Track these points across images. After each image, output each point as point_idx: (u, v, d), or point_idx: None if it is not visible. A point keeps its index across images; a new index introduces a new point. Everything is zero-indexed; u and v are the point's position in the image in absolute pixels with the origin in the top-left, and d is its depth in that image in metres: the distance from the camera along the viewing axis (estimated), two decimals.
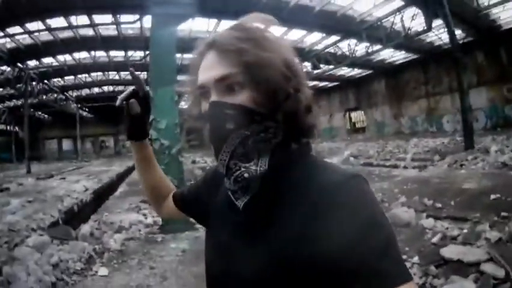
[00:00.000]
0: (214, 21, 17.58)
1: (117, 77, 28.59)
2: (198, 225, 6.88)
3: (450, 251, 4.15)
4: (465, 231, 4.88)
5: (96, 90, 33.60)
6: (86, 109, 39.66)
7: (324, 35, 21.29)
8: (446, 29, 15.73)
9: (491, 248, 3.92)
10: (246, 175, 0.79)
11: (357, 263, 0.65)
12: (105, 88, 33.12)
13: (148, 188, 1.28)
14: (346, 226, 0.68)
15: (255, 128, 0.78)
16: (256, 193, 0.82)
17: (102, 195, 10.94)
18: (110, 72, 27.40)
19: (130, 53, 22.24)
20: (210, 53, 0.82)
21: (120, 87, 32.68)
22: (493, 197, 6.57)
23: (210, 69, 0.80)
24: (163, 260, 5.13)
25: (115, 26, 17.18)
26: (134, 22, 15.44)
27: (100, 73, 27.31)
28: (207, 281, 0.96)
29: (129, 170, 18.84)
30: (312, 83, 36.18)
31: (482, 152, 11.87)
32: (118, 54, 22.72)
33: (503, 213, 5.14)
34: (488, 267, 3.62)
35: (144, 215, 7.97)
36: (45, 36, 17.96)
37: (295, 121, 0.81)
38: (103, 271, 4.68)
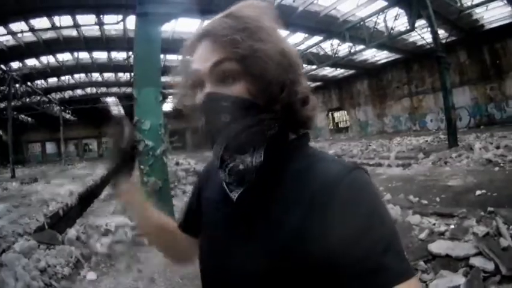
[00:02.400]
0: (198, 21, 17.55)
1: (100, 79, 28.27)
2: None
3: (438, 247, 4.17)
4: (452, 226, 4.92)
5: (79, 92, 33.18)
6: (69, 111, 39.17)
7: (306, 35, 21.37)
8: (429, 29, 15.96)
9: (479, 242, 3.97)
10: (240, 166, 0.77)
11: (359, 258, 0.65)
12: (88, 90, 32.73)
13: (162, 241, 1.16)
14: (347, 220, 0.67)
15: (250, 119, 0.76)
16: (250, 185, 0.81)
17: (87, 198, 10.79)
18: (93, 74, 27.07)
19: (113, 54, 22.03)
20: (203, 43, 0.79)
21: (103, 89, 32.37)
22: (478, 192, 6.68)
23: (204, 58, 0.78)
24: (151, 262, 5.07)
25: (98, 27, 17.00)
26: (117, 23, 15.32)
27: (83, 75, 26.99)
28: (201, 277, 0.94)
29: None
30: None
31: (466, 149, 12.04)
32: (101, 56, 22.49)
33: (489, 208, 5.21)
34: (477, 261, 3.65)
35: (130, 217, 7.89)
36: (29, 38, 17.72)
37: (292, 113, 0.80)
38: (91, 275, 4.62)
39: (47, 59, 22.04)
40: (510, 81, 22.02)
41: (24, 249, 4.95)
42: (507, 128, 18.00)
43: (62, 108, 34.94)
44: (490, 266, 3.53)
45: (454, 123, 14.06)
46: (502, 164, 9.28)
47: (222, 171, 0.82)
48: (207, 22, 0.82)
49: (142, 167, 6.90)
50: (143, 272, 4.68)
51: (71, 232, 6.14)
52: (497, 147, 11.30)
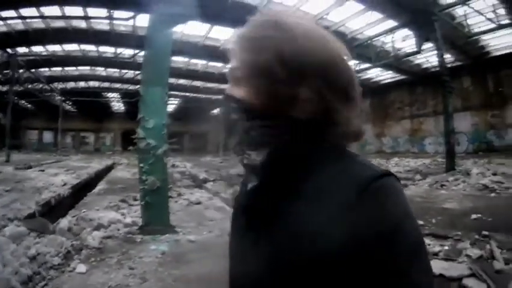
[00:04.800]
0: (207, 26, 17.66)
1: (104, 73, 28.23)
2: (178, 229, 6.85)
3: (432, 266, 4.17)
4: (446, 248, 4.95)
5: (82, 84, 33.08)
6: (70, 102, 39.08)
7: None
8: (435, 52, 16.07)
9: (473, 264, 3.98)
10: (245, 161, 0.82)
11: (379, 270, 0.64)
12: (91, 83, 32.63)
13: None
14: (370, 229, 0.66)
15: (254, 122, 0.78)
16: (262, 182, 0.85)
17: (81, 191, 10.75)
18: (97, 68, 27.00)
19: (119, 50, 22.02)
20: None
21: (106, 84, 32.30)
22: (474, 216, 6.72)
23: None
24: (143, 261, 4.99)
25: (108, 21, 16.99)
26: (128, 19, 15.29)
27: (87, 67, 26.90)
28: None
29: (108, 169, 18.56)
30: None
31: (463, 174, 12.09)
32: (107, 50, 22.46)
33: (484, 232, 5.24)
34: (470, 282, 3.67)
35: (123, 214, 7.80)
36: (38, 24, 17.66)
37: (307, 124, 0.77)
38: (81, 268, 4.53)
39: (54, 48, 21.97)
40: None
41: (14, 235, 4.88)
42: (505, 155, 18.14)
43: (63, 98, 34.90)
44: None
45: (452, 147, 14.11)
46: (498, 191, 9.33)
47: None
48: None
49: (142, 165, 6.89)
50: (135, 270, 4.60)
51: (63, 222, 6.08)
52: (494, 174, 11.39)
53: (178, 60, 23.70)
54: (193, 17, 8.93)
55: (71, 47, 21.76)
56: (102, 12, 15.75)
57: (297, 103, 0.76)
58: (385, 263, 0.64)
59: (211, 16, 14.52)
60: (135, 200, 9.64)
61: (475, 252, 4.42)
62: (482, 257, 4.28)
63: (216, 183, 14.71)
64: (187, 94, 35.93)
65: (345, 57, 0.80)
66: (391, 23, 17.01)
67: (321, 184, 0.75)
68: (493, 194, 9.03)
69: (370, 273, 0.65)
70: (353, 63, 21.99)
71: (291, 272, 0.72)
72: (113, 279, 4.27)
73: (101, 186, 12.67)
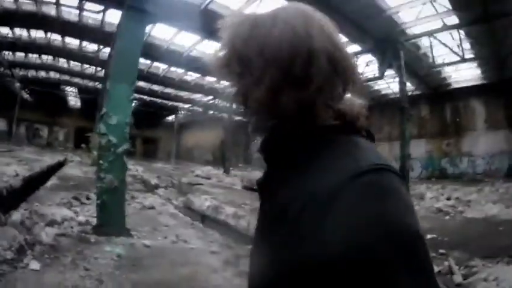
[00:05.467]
0: (174, 30, 17.43)
1: (66, 66, 27.16)
2: (133, 232, 6.70)
3: None
4: None
5: (43, 74, 31.70)
6: (28, 91, 37.34)
7: None
8: (396, 80, 16.66)
9: None
10: (255, 144, 0.87)
11: (369, 274, 0.60)
12: (52, 74, 31.35)
13: None
14: (359, 228, 0.61)
15: (250, 111, 0.87)
16: (268, 170, 0.90)
17: (33, 184, 10.29)
18: (60, 59, 25.96)
19: (84, 43, 21.29)
20: None
21: (66, 77, 31.16)
22: (429, 236, 7.05)
23: None
24: (98, 262, 4.84)
25: (77, 12, 16.38)
26: (98, 12, 14.92)
27: (50, 57, 25.78)
28: None
29: (60, 164, 17.86)
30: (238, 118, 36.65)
31: (417, 197, 12.58)
32: (72, 42, 21.57)
33: (441, 250, 5.49)
34: None
35: (76, 212, 7.57)
36: (6, 4, 16.56)
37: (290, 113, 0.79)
38: (35, 265, 4.32)
39: (20, 32, 20.74)
40: (467, 139, 23.32)
41: None
42: (459, 182, 19.03)
43: (22, 86, 33.36)
44: None
45: (407, 172, 14.60)
46: (452, 214, 9.77)
47: None
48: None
49: (101, 161, 6.71)
50: (91, 271, 4.43)
51: (16, 215, 5.79)
52: (448, 199, 11.92)
53: (140, 62, 23.09)
54: (165, 18, 8.90)
55: (37, 34, 20.71)
56: (73, 1, 15.20)
57: (255, 93, 0.79)
58: (371, 270, 0.60)
59: (181, 20, 14.41)
60: (88, 198, 9.44)
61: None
62: (440, 272, 4.48)
63: (168, 190, 14.67)
64: (145, 97, 35.19)
65: (308, 42, 0.76)
66: (355, 48, 17.43)
67: (299, 175, 0.75)
68: (447, 217, 9.49)
69: (356, 276, 0.60)
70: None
71: (273, 272, 0.73)
72: (68, 280, 4.11)
73: (53, 181, 12.19)
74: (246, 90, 0.82)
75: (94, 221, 6.72)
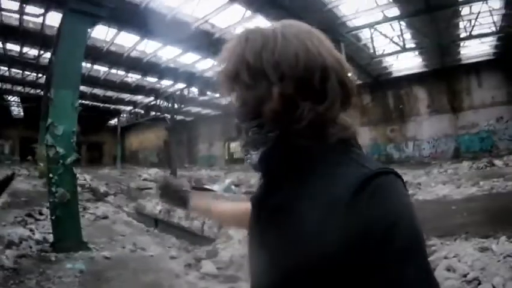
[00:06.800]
0: (114, 31, 16.85)
1: (7, 74, 25.49)
2: (91, 245, 6.46)
3: None
4: None
5: None
6: None
7: (215, 63, 21.48)
8: None
9: None
10: (248, 161, 0.89)
11: (371, 272, 0.66)
12: None
13: (242, 223, 1.21)
14: (363, 230, 0.67)
15: (245, 125, 0.89)
16: (264, 180, 0.92)
17: None
18: (1, 67, 24.29)
19: (25, 49, 20.09)
20: None
21: (8, 85, 29.36)
22: None
23: None
24: (62, 281, 4.69)
25: (18, 16, 15.37)
26: (39, 16, 14.16)
27: None
28: None
29: (8, 179, 16.91)
30: (196, 109, 36.41)
31: None
32: (13, 48, 20.22)
33: None
34: None
35: (31, 230, 7.18)
36: None
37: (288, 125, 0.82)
38: None
39: None
40: (411, 124, 24.39)
41: None
42: (406, 166, 19.88)
43: None
44: None
45: None
46: None
47: None
48: None
49: (50, 175, 6.38)
50: None
51: None
52: None
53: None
54: (107, 18, 8.60)
55: None
56: (14, 5, 14.21)
57: (267, 105, 0.81)
58: (376, 265, 0.65)
59: (122, 21, 14.01)
60: (41, 214, 9.05)
61: None
62: None
63: (117, 196, 14.56)
64: (86, 102, 33.87)
65: (321, 60, 0.81)
66: None
67: (311, 184, 0.79)
68: None
69: (363, 274, 0.66)
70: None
71: (283, 273, 0.76)
72: None
73: (3, 199, 11.50)
74: (258, 102, 0.83)
75: (51, 237, 6.49)
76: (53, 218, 6.30)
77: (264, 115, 0.82)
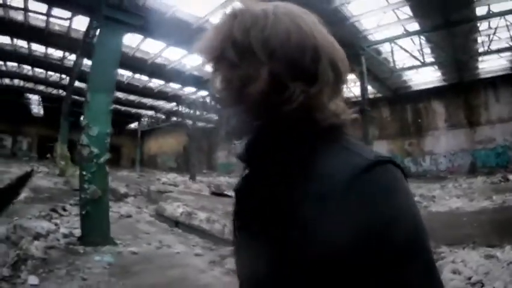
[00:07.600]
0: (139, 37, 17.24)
1: (30, 73, 26.25)
2: (117, 240, 6.79)
3: None
4: None
5: (7, 81, 30.38)
6: None
7: None
8: (357, 83, 17.11)
9: None
10: (232, 150, 0.86)
11: (366, 271, 0.62)
12: (16, 81, 30.14)
13: None
14: (356, 226, 0.62)
15: (229, 111, 0.83)
16: (249, 171, 0.88)
17: (6, 197, 10.08)
18: (25, 66, 24.98)
19: (50, 50, 20.69)
20: None
21: (30, 84, 30.12)
22: None
23: None
24: (92, 272, 4.94)
25: (45, 18, 15.92)
26: (66, 19, 14.66)
27: (15, 64, 24.74)
28: None
29: (28, 175, 17.38)
30: (216, 117, 36.30)
31: None
32: (38, 49, 20.82)
33: None
34: None
35: (56, 224, 7.53)
36: None
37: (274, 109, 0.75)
38: (33, 280, 4.33)
39: None
40: (429, 138, 24.15)
41: None
42: (423, 180, 19.77)
43: None
44: None
45: None
46: None
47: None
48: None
49: (84, 172, 6.77)
50: (88, 281, 4.53)
51: (0, 230, 5.78)
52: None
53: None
54: (140, 28, 8.98)
55: (3, 40, 19.90)
56: (42, 7, 14.70)
57: (254, 86, 0.74)
58: (372, 268, 0.62)
59: (148, 28, 14.38)
60: (64, 210, 9.40)
61: None
62: None
63: (137, 198, 14.59)
64: None
65: (313, 40, 0.75)
66: None
67: (300, 176, 0.72)
68: None
69: (356, 276, 0.62)
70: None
71: (273, 271, 0.72)
72: None
73: (26, 193, 11.94)
74: (243, 83, 0.75)
75: (77, 232, 6.80)
76: (83, 212, 6.66)
77: (249, 98, 0.74)
